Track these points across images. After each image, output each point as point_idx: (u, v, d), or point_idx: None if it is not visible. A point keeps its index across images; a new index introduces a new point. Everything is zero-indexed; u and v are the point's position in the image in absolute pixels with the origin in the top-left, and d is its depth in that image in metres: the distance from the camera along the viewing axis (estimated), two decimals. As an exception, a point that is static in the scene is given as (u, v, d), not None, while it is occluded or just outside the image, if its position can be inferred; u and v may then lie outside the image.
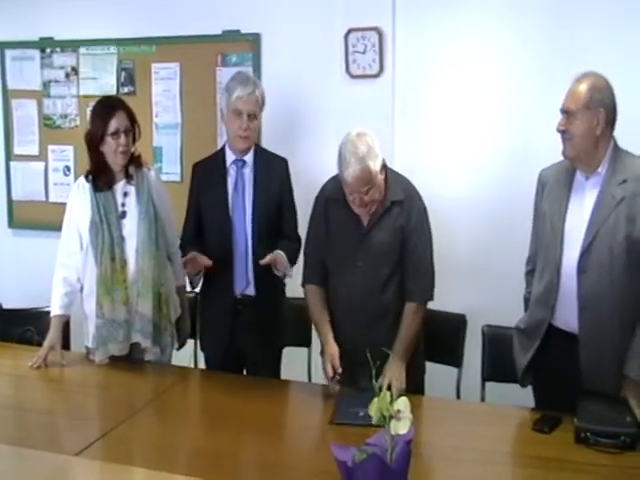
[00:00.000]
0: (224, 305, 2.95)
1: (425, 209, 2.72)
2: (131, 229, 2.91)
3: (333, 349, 2.66)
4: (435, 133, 3.55)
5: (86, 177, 2.97)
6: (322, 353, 2.75)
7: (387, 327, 2.69)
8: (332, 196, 2.73)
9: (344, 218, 2.70)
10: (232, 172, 2.96)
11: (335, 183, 2.69)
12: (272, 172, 2.97)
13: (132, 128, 2.91)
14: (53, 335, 2.95)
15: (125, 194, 2.95)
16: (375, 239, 2.66)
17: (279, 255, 2.83)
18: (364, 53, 3.53)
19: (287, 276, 2.91)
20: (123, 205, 2.94)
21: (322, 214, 2.77)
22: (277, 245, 2.88)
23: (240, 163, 2.96)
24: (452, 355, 2.97)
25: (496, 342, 2.90)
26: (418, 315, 2.70)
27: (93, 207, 2.91)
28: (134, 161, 2.97)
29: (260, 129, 2.96)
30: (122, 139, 2.85)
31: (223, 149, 3.01)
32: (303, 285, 2.83)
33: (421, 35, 3.51)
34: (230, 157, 2.97)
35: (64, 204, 3.06)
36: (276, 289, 3.01)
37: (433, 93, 3.53)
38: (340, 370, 2.60)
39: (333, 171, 2.68)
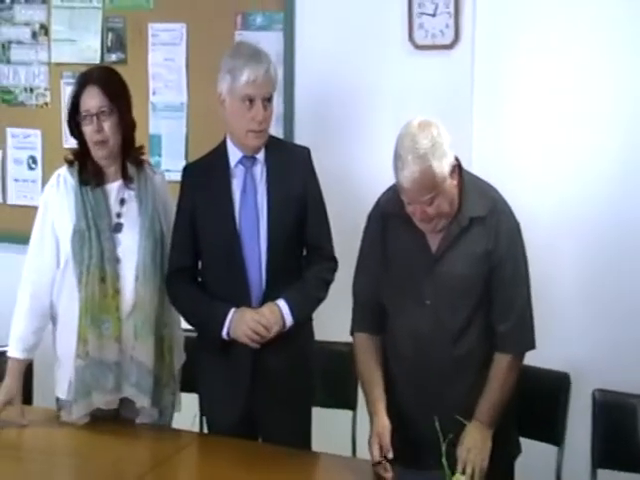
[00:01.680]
0: (233, 350, 2.93)
1: (518, 228, 2.70)
2: (129, 248, 2.91)
3: (382, 424, 2.63)
4: (528, 125, 3.50)
5: (69, 165, 2.97)
6: (371, 425, 2.73)
7: (465, 389, 2.66)
8: (391, 211, 2.74)
9: (407, 241, 2.70)
10: (239, 173, 2.95)
11: (395, 194, 2.68)
12: (292, 168, 2.97)
13: (113, 108, 2.87)
14: (10, 385, 2.93)
15: (122, 201, 2.97)
16: (448, 269, 2.65)
17: (266, 315, 2.82)
18: (434, 16, 3.52)
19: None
20: (119, 215, 2.94)
21: (378, 237, 2.77)
22: (298, 276, 2.93)
23: (250, 162, 2.95)
24: (550, 429, 2.94)
25: (613, 413, 2.85)
26: (514, 371, 2.68)
27: (78, 209, 2.90)
28: (132, 155, 2.96)
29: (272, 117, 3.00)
30: (94, 124, 2.85)
31: (224, 145, 3.00)
32: (352, 333, 2.85)
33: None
34: (235, 155, 2.95)
35: (29, 207, 3.04)
36: (301, 328, 2.99)
37: (527, 72, 3.48)
38: (391, 454, 2.57)
39: (390, 176, 2.66)
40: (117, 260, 2.90)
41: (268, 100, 2.87)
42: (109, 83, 2.89)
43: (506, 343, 2.67)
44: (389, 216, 2.74)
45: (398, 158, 2.54)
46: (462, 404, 2.60)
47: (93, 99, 2.84)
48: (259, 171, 2.95)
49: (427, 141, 2.51)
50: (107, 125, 2.85)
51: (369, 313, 2.80)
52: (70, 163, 2.97)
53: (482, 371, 2.67)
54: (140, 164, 2.99)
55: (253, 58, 2.86)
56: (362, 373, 2.78)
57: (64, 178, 2.96)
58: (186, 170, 3.06)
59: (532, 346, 2.71)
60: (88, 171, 2.92)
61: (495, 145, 3.51)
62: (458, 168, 2.64)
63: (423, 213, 2.57)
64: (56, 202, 2.95)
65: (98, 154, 2.89)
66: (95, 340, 2.85)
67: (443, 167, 2.53)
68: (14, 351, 2.95)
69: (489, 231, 2.64)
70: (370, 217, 2.83)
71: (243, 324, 2.83)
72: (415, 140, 2.52)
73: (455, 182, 2.61)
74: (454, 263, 2.65)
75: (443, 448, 1.74)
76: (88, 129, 2.85)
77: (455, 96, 3.50)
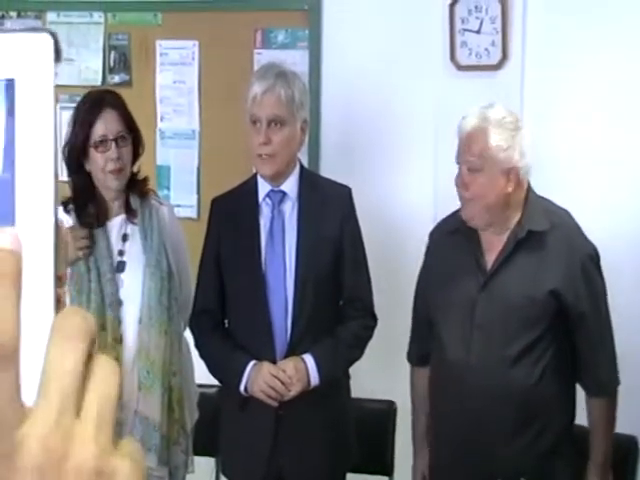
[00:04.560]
0: (254, 407, 2.94)
1: (595, 257, 2.74)
2: (132, 289, 2.94)
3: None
4: (582, 153, 3.55)
5: (65, 207, 2.98)
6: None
7: (531, 438, 2.67)
8: (446, 228, 2.88)
9: (460, 256, 2.78)
10: (266, 210, 2.98)
11: (454, 215, 2.84)
12: (328, 208, 2.99)
13: (130, 135, 2.93)
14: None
15: (124, 237, 2.99)
16: (504, 288, 2.70)
17: (288, 370, 2.85)
18: (479, 32, 3.57)
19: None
20: (121, 253, 2.97)
21: (434, 253, 2.90)
22: (329, 331, 2.93)
23: (277, 196, 2.98)
24: None
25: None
26: (611, 412, 2.77)
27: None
28: (137, 188, 3.00)
29: (299, 144, 2.97)
30: (112, 151, 2.87)
31: (255, 177, 3.03)
32: (408, 359, 2.99)
33: (568, 4, 3.51)
34: (264, 188, 2.99)
35: None
36: (336, 384, 3.01)
37: (581, 95, 3.53)
38: None
39: (429, 212, 2.68)
40: (119, 302, 2.93)
41: (277, 123, 2.88)
42: (125, 108, 2.94)
43: (604, 387, 2.75)
44: (446, 233, 2.87)
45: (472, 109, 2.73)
46: (525, 458, 2.66)
47: (112, 124, 2.87)
48: (289, 208, 2.97)
49: (502, 113, 2.67)
50: (124, 152, 2.90)
51: (427, 342, 2.89)
52: (65, 204, 2.96)
53: (550, 417, 2.71)
54: (145, 195, 3.03)
55: (260, 75, 2.92)
56: (417, 410, 2.95)
57: (61, 222, 2.95)
58: (214, 203, 3.09)
59: (617, 382, 2.79)
60: (89, 210, 2.94)
61: (547, 172, 3.48)
62: (527, 186, 2.73)
63: (461, 175, 2.70)
64: None
65: (114, 184, 2.91)
66: None
67: (501, 143, 2.63)
68: None
69: (555, 257, 2.67)
70: (430, 236, 2.97)
71: (260, 379, 2.84)
72: (493, 105, 2.70)
73: (510, 187, 2.66)
74: (509, 282, 2.69)
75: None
76: (102, 157, 2.87)
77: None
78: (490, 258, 2.73)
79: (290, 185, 2.97)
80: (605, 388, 2.75)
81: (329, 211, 2.98)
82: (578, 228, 2.75)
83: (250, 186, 3.01)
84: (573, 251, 2.69)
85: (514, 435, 2.68)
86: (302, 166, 3.05)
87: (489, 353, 2.69)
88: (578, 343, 2.72)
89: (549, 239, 2.69)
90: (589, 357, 2.72)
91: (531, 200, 2.74)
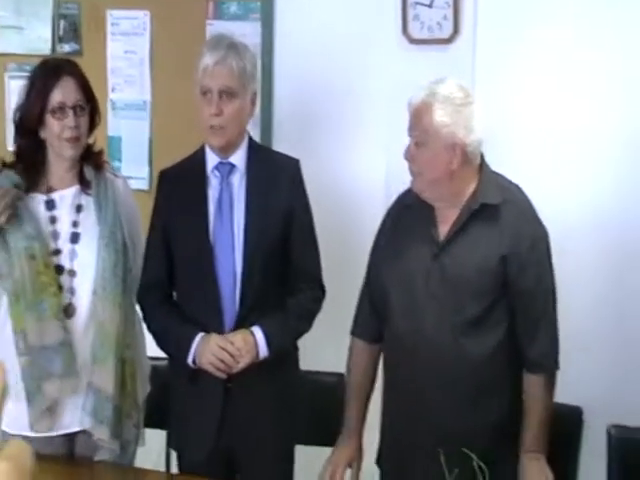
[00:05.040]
0: (203, 379, 2.96)
1: (544, 235, 2.77)
2: (86, 260, 2.93)
3: (346, 453, 2.88)
4: (532, 127, 3.55)
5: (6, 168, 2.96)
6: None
7: (480, 412, 2.72)
8: (406, 202, 2.88)
9: (415, 228, 2.81)
10: (215, 182, 2.99)
11: (409, 190, 2.84)
12: (276, 180, 3.01)
13: (87, 105, 2.93)
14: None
15: (78, 208, 2.98)
16: (456, 258, 2.73)
17: (237, 342, 2.86)
18: (431, 6, 3.55)
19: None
20: (75, 224, 2.96)
21: (388, 228, 2.91)
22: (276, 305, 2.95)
23: (226, 168, 2.99)
24: (560, 469, 2.88)
25: (631, 453, 2.88)
26: (551, 391, 2.77)
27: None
28: (92, 159, 3.00)
29: (249, 116, 3.00)
30: (70, 119, 2.87)
31: (203, 149, 3.04)
32: (352, 333, 2.97)
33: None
34: (212, 160, 3.00)
35: None
36: (285, 356, 3.03)
37: (533, 69, 3.52)
38: None
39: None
40: (72, 272, 2.93)
41: (228, 94, 2.90)
42: (84, 77, 2.93)
43: (541, 363, 2.75)
44: (403, 207, 2.88)
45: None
46: (475, 431, 2.68)
47: (71, 92, 2.87)
48: (237, 180, 2.98)
49: (450, 89, 2.69)
50: (82, 122, 2.90)
51: (371, 316, 2.92)
52: (5, 166, 2.95)
53: (494, 393, 2.73)
54: (100, 167, 3.02)
55: (212, 46, 2.93)
56: (351, 384, 2.95)
57: None
58: (161, 176, 3.10)
59: (556, 366, 2.79)
60: (37, 177, 2.93)
61: (497, 148, 3.41)
62: (481, 160, 2.76)
63: (409, 148, 2.73)
64: None
65: (68, 153, 2.91)
66: (34, 324, 2.85)
67: (444, 119, 2.65)
68: None
69: (505, 227, 2.70)
70: (388, 211, 2.95)
71: (208, 351, 2.86)
72: (444, 80, 2.71)
73: (455, 163, 2.68)
74: (461, 253, 2.72)
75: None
76: (59, 124, 2.86)
77: (454, 96, 3.55)
78: (443, 229, 2.75)
79: (238, 157, 2.98)
80: (541, 366, 2.76)
81: (278, 183, 2.99)
82: (530, 205, 2.77)
83: (198, 158, 3.02)
84: (524, 228, 2.72)
85: (462, 408, 2.71)
86: (250, 138, 3.05)
87: (441, 323, 2.71)
88: (519, 317, 2.73)
89: (502, 213, 2.71)
90: (530, 332, 2.73)
91: (485, 174, 2.77)
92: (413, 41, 3.59)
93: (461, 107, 2.67)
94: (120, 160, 4.01)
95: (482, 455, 2.46)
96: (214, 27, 3.80)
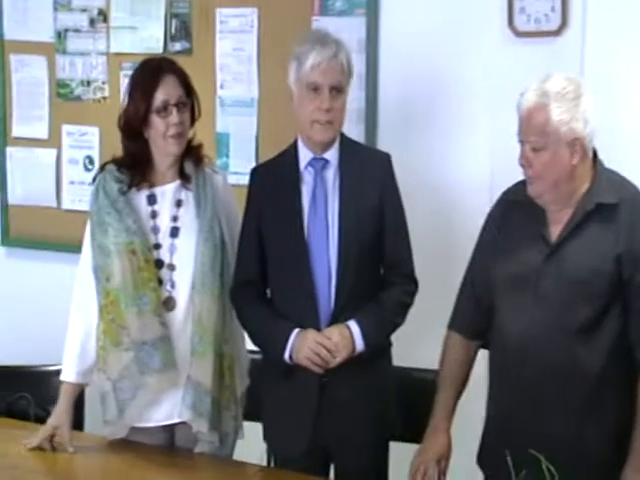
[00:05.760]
0: (298, 375, 2.99)
1: None
2: (185, 254, 2.99)
3: (435, 449, 2.84)
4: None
5: (102, 167, 3.06)
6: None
7: (592, 422, 2.64)
8: (513, 198, 2.84)
9: (526, 230, 2.76)
10: (308, 178, 3.01)
11: (520, 183, 2.80)
12: (369, 174, 3.01)
13: (188, 100, 2.99)
14: (61, 409, 3.05)
15: (178, 203, 3.04)
16: (570, 260, 2.67)
17: (334, 337, 2.88)
18: (538, -1, 3.51)
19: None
20: (175, 219, 3.03)
21: (495, 225, 2.87)
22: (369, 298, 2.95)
23: (320, 164, 3.00)
24: None
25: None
26: None
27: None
28: (192, 154, 3.05)
29: (344, 111, 3.02)
30: (174, 115, 2.93)
31: (295, 146, 3.06)
32: (449, 327, 2.96)
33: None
34: (305, 156, 3.02)
35: (84, 213, 3.13)
36: (378, 353, 3.05)
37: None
38: None
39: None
40: (172, 267, 2.99)
41: (337, 90, 2.92)
42: (183, 73, 3.00)
43: None
44: (510, 204, 2.83)
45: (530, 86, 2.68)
46: (571, 437, 2.63)
47: (173, 89, 2.93)
48: (331, 176, 2.99)
49: (561, 84, 2.63)
50: (185, 117, 2.96)
51: (472, 310, 2.90)
52: (118, 164, 3.03)
53: (607, 403, 2.66)
54: (199, 161, 3.07)
55: (320, 42, 2.93)
56: (442, 378, 2.93)
57: (104, 179, 3.02)
58: (254, 173, 3.13)
59: None
60: (138, 173, 3.01)
61: (608, 143, 3.46)
62: (593, 157, 2.71)
63: (524, 154, 2.66)
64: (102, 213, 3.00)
65: (174, 150, 2.97)
66: (135, 318, 2.92)
67: (563, 117, 2.60)
68: (67, 374, 3.04)
69: (621, 227, 2.64)
70: (494, 206, 2.91)
71: (305, 346, 2.88)
72: (551, 77, 2.65)
73: (576, 159, 2.63)
74: (575, 254, 2.66)
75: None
76: (164, 122, 2.92)
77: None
78: (555, 230, 2.70)
79: (332, 152, 3.00)
80: None
81: (370, 178, 3.00)
82: None
83: (291, 154, 3.05)
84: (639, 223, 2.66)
85: (575, 415, 2.65)
86: (342, 133, 3.06)
87: (552, 326, 2.66)
88: (633, 319, 2.66)
89: (618, 213, 2.66)
90: None
91: (599, 172, 2.72)
92: (519, 34, 3.54)
93: (576, 100, 2.63)
94: (228, 156, 4.06)
95: (599, 467, 2.48)
96: (320, 23, 3.80)
